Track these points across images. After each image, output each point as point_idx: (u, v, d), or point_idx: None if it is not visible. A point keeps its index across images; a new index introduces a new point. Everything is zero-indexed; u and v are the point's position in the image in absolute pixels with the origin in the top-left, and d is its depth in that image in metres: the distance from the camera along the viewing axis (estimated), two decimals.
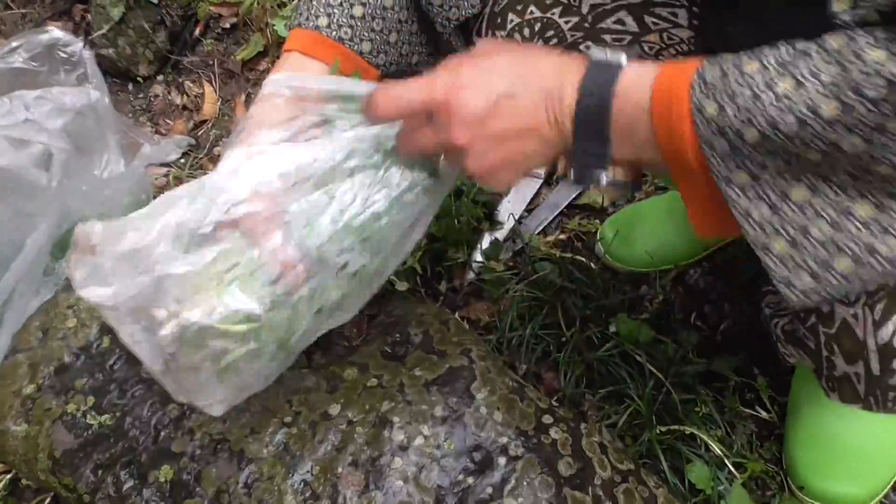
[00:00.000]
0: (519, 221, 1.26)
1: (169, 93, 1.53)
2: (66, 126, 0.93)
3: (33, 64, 0.94)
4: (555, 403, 0.84)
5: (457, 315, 1.09)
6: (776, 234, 0.48)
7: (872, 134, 0.43)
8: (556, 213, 1.25)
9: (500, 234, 1.23)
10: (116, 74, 1.53)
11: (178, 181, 1.29)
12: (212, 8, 1.58)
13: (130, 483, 0.79)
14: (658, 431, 0.89)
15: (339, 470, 0.76)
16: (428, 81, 0.59)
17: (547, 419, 0.80)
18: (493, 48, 0.61)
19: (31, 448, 0.84)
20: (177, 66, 1.55)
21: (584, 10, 0.77)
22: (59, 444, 0.82)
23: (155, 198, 1.15)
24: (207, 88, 1.49)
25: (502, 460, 0.75)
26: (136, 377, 0.86)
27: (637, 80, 0.53)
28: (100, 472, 0.80)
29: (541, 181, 1.30)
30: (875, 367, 0.54)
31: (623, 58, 0.55)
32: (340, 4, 0.76)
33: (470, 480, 0.75)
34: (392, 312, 0.95)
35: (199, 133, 1.43)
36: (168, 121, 1.46)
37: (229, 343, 0.63)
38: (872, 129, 0.43)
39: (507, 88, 0.56)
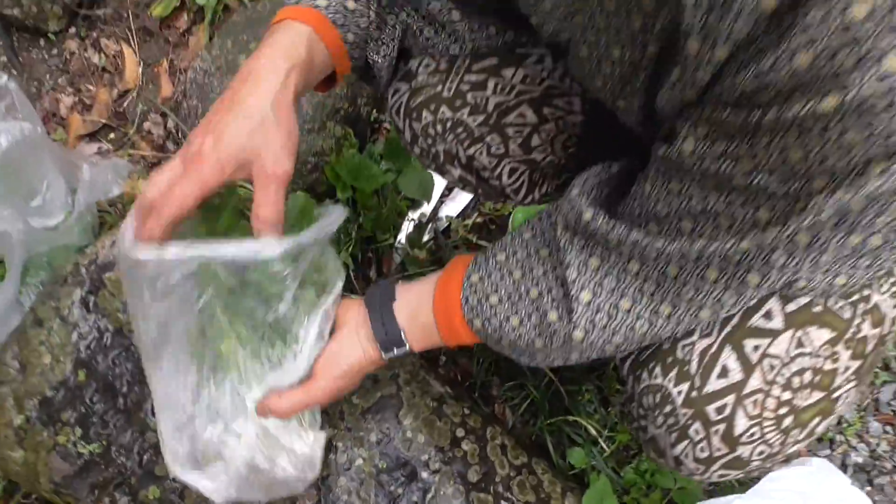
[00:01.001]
0: (441, 201, 1.40)
1: (85, 50, 1.51)
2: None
3: None
4: (466, 410, 1.06)
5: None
6: (519, 359, 0.79)
7: (558, 351, 0.71)
8: (473, 195, 1.39)
9: (424, 218, 1.38)
10: (25, 31, 1.49)
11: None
12: None
13: (125, 500, 0.98)
14: (549, 422, 1.13)
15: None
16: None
17: (459, 433, 1.02)
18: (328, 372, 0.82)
19: (31, 473, 1.00)
20: (89, 20, 1.52)
21: (490, 108, 0.88)
22: (57, 471, 0.99)
23: (100, 210, 1.22)
24: (126, 50, 1.49)
25: (425, 474, 0.98)
26: (113, 409, 1.02)
27: (421, 328, 0.81)
28: (97, 492, 0.98)
29: None
30: (671, 464, 0.77)
31: (404, 344, 0.81)
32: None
33: (400, 491, 0.97)
34: None
35: (125, 104, 1.45)
36: (90, 87, 1.47)
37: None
38: (560, 348, 0.71)
39: (344, 386, 0.84)
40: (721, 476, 0.75)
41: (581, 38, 0.66)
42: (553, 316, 0.69)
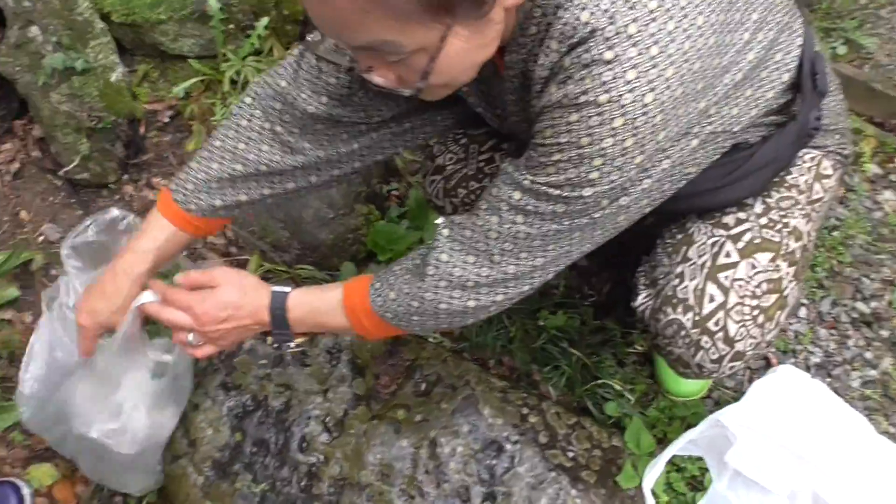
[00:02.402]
0: None
1: (140, 191, 1.83)
2: None
3: (101, 237, 1.28)
4: (524, 394, 1.39)
5: (437, 334, 1.59)
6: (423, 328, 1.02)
7: (430, 312, 0.97)
8: None
9: None
10: (89, 187, 1.81)
11: None
12: (146, 106, 1.85)
13: None
14: (584, 389, 1.47)
15: (419, 478, 1.29)
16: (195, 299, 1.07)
17: (525, 410, 1.36)
18: (230, 276, 1.07)
19: None
20: (137, 166, 1.85)
21: None
22: None
23: None
24: None
25: (508, 446, 1.31)
26: (267, 455, 1.34)
27: (299, 298, 1.04)
28: None
29: None
30: (695, 371, 1.10)
31: (289, 287, 1.05)
32: (196, 194, 1.11)
33: (494, 462, 1.31)
34: (403, 356, 1.46)
35: None
36: None
37: None
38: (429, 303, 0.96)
39: (235, 307, 1.05)
40: (731, 368, 1.07)
41: (514, 129, 1.01)
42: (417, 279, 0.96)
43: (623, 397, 1.49)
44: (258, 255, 1.67)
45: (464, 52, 0.76)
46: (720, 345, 1.04)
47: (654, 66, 0.74)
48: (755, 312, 1.04)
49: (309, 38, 0.96)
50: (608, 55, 0.73)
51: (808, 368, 1.56)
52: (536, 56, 0.81)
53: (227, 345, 1.12)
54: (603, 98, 0.75)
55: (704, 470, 1.41)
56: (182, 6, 1.75)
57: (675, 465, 1.43)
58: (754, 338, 1.05)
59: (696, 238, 1.08)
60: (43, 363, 1.27)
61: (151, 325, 1.24)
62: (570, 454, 1.33)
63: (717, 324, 1.04)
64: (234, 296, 1.05)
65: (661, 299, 1.08)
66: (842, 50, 1.96)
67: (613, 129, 0.76)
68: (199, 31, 1.75)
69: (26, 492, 1.49)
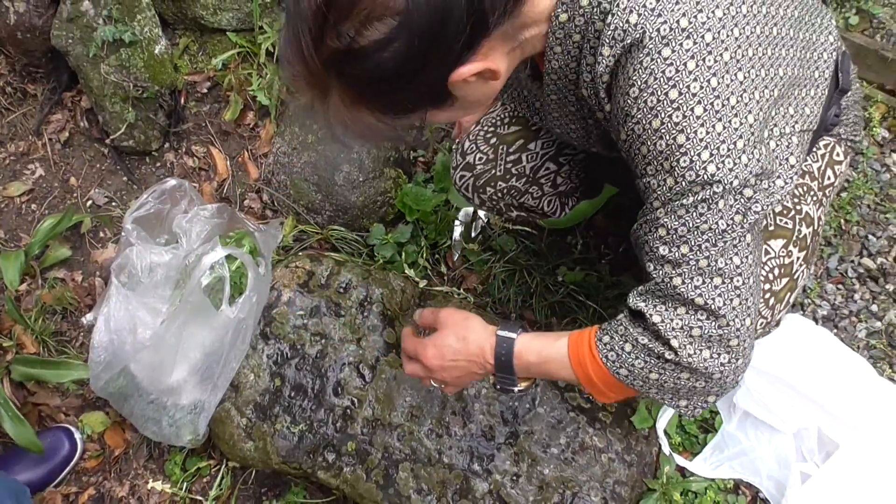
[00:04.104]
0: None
1: (180, 158, 1.88)
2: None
3: (160, 206, 1.33)
4: None
5: (462, 289, 1.64)
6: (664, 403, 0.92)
7: (676, 380, 0.87)
8: None
9: (467, 219, 1.75)
10: (134, 154, 1.87)
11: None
12: (186, 77, 1.90)
13: (332, 456, 1.35)
14: None
15: (447, 419, 1.34)
16: (421, 345, 1.03)
17: None
18: (453, 319, 1.02)
19: (263, 454, 1.37)
20: (178, 134, 1.89)
21: (528, 171, 1.27)
22: (282, 448, 1.36)
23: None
24: (213, 150, 1.86)
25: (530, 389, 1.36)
26: (305, 399, 1.39)
27: (527, 344, 0.96)
28: (312, 455, 1.36)
29: None
30: None
31: (516, 332, 0.96)
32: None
33: (516, 403, 1.35)
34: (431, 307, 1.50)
35: (224, 190, 1.83)
36: (194, 184, 1.84)
37: None
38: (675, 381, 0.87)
39: (455, 352, 1.00)
40: None
41: (551, 124, 1.04)
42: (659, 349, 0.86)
43: None
44: (293, 217, 1.71)
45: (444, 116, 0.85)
46: None
47: (709, 53, 0.75)
48: (766, 296, 1.05)
49: None
50: (666, 52, 0.74)
51: (815, 321, 1.58)
52: (591, 65, 0.82)
53: (461, 384, 1.07)
54: (673, 94, 0.75)
55: (715, 413, 1.44)
56: None
57: None
58: (765, 318, 1.07)
59: None
60: (112, 331, 1.32)
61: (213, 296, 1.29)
62: (587, 396, 1.37)
63: None
64: (454, 341, 1.00)
65: None
66: (854, 20, 1.95)
67: (698, 117, 0.76)
68: (238, 5, 1.79)
69: (78, 437, 1.56)
